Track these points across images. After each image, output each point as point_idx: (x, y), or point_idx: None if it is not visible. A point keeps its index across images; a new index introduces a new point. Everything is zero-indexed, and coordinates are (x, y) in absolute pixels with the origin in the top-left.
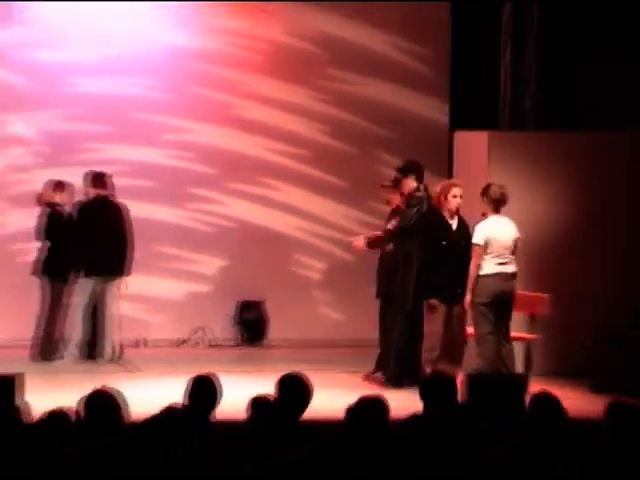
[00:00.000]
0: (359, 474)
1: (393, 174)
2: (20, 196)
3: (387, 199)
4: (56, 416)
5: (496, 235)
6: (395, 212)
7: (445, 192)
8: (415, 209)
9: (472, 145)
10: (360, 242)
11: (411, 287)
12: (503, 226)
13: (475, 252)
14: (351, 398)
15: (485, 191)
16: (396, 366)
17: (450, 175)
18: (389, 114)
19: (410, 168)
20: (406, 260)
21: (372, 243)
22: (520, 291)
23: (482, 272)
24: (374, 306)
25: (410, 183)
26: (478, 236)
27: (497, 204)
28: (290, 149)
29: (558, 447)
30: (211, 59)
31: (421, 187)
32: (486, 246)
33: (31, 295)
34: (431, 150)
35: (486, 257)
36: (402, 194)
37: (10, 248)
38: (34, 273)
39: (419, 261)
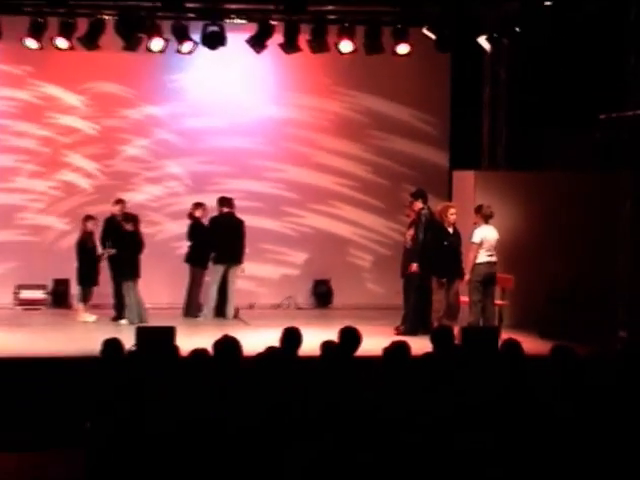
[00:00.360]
0: (393, 392)
1: (408, 198)
2: (175, 213)
3: (407, 214)
4: (198, 353)
5: (487, 237)
6: (412, 223)
7: (445, 211)
8: (423, 221)
9: (464, 180)
10: (414, 267)
11: (422, 270)
12: (491, 231)
13: (473, 248)
14: (386, 342)
15: (479, 209)
16: (413, 321)
17: (450, 199)
18: (409, 160)
19: (418, 194)
20: (417, 254)
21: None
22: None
23: (477, 261)
24: (400, 283)
25: (418, 204)
26: (476, 237)
27: (487, 217)
28: (347, 182)
29: (518, 374)
30: (296, 124)
31: (425, 207)
32: (481, 244)
33: (182, 275)
34: (437, 183)
35: (480, 251)
36: (413, 211)
37: (169, 246)
38: (184, 261)
39: (426, 254)
